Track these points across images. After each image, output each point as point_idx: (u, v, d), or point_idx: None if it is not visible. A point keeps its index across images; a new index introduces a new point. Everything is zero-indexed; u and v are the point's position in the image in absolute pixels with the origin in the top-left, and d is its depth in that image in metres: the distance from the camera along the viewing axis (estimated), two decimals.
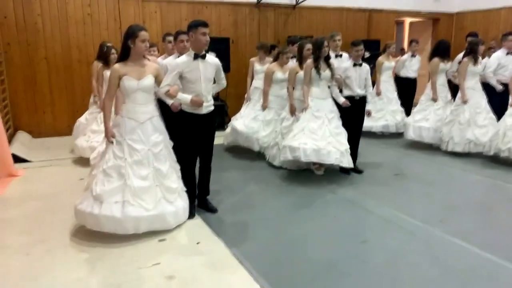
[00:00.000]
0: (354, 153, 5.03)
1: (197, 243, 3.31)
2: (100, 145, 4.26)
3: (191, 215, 3.70)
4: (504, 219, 3.82)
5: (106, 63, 5.54)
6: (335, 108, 4.83)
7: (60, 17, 7.08)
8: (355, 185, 4.77)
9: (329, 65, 4.78)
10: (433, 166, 5.55)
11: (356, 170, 5.13)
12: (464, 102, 5.76)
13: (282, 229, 3.59)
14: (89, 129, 5.64)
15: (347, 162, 4.68)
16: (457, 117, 5.83)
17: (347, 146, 4.71)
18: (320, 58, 4.70)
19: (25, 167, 5.39)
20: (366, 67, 5.01)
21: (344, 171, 5.05)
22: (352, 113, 4.89)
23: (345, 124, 4.84)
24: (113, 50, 5.53)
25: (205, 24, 3.51)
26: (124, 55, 3.34)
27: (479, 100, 5.80)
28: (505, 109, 5.46)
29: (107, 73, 5.53)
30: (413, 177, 5.07)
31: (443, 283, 2.75)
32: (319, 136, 4.60)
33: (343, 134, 4.76)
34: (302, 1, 8.61)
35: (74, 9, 7.15)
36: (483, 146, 5.60)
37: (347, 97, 4.88)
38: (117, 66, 3.34)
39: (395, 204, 4.13)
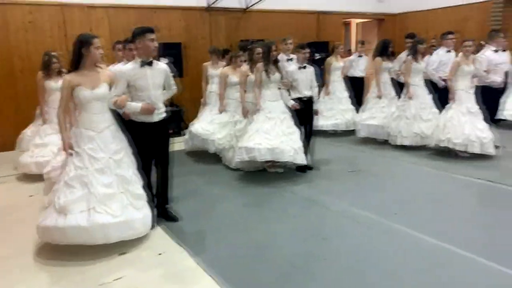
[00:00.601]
0: (306, 152, 5.20)
1: (159, 254, 3.25)
2: (54, 158, 4.08)
3: (152, 226, 3.61)
4: (454, 209, 4.04)
5: (48, 73, 5.33)
6: (286, 109, 5.00)
7: None
8: (313, 183, 4.88)
9: (278, 68, 4.95)
10: (385, 161, 5.79)
11: (308, 167, 5.29)
12: (410, 98, 6.06)
13: (245, 233, 3.60)
14: (32, 143, 5.37)
15: (301, 159, 4.86)
16: (404, 112, 6.13)
17: (300, 144, 4.89)
18: (270, 61, 4.87)
19: None
20: (311, 68, 5.22)
21: (301, 170, 5.19)
22: (302, 114, 5.09)
23: (296, 124, 5.03)
24: (54, 60, 5.33)
25: (152, 30, 3.47)
26: (76, 65, 3.25)
27: (423, 95, 6.13)
28: (447, 103, 5.79)
29: (49, 83, 5.31)
30: (367, 172, 5.26)
31: (402, 274, 2.87)
32: (272, 136, 4.76)
33: (296, 133, 4.92)
34: (252, 5, 8.69)
35: (14, 16, 6.78)
36: (428, 139, 5.93)
37: (295, 99, 5.08)
38: (68, 77, 3.25)
39: (352, 199, 4.27)
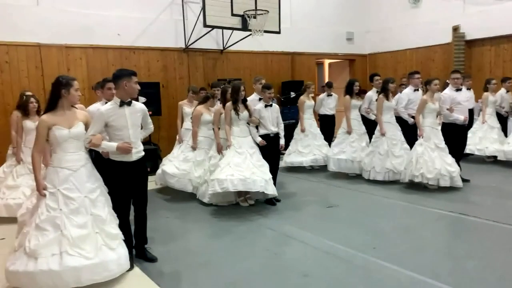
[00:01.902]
0: (275, 184, 5.36)
1: None
2: (28, 199, 3.99)
3: (130, 266, 3.53)
4: (428, 241, 4.15)
5: (26, 112, 5.30)
6: (254, 144, 5.29)
7: None
8: (291, 219, 4.92)
9: (246, 107, 5.26)
10: (360, 195, 5.91)
11: (275, 199, 5.49)
12: (382, 134, 6.31)
13: (223, 271, 3.57)
14: (4, 184, 5.23)
15: (272, 190, 5.09)
16: (377, 148, 6.37)
17: (270, 176, 5.16)
18: (238, 101, 5.20)
19: None
20: (276, 107, 5.62)
21: (270, 202, 5.39)
22: (269, 148, 5.37)
23: (264, 158, 5.28)
24: (32, 99, 5.32)
25: (136, 73, 3.61)
26: (53, 105, 3.29)
27: (394, 132, 6.39)
28: (416, 139, 6.04)
29: (26, 123, 5.28)
30: (344, 207, 5.35)
31: None
32: (244, 168, 4.99)
33: (265, 166, 5.20)
34: (229, 46, 8.98)
35: None
36: (400, 174, 6.16)
37: (263, 135, 5.40)
38: (45, 117, 3.27)
39: (331, 235, 4.31)
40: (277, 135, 5.56)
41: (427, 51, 10.37)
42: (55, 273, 2.98)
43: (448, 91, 6.10)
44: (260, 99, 5.83)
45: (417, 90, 6.84)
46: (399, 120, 6.59)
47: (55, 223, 3.11)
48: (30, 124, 5.25)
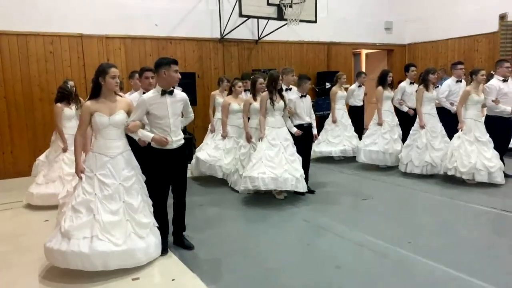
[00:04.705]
0: (305, 175, 5.36)
1: (172, 280, 3.25)
2: (69, 183, 4.17)
3: (164, 252, 3.63)
4: (467, 237, 4.00)
5: (60, 99, 5.52)
6: (289, 136, 5.24)
7: (20, 56, 6.96)
8: (327, 211, 4.87)
9: (282, 97, 5.20)
10: (395, 189, 5.77)
11: (308, 190, 5.43)
12: (422, 127, 6.10)
13: (258, 260, 3.59)
14: (43, 174, 5.41)
15: (302, 187, 5.09)
16: (415, 141, 6.17)
17: (302, 171, 5.13)
18: (275, 90, 5.10)
19: None
20: (309, 98, 5.62)
21: (299, 192, 5.36)
22: (303, 139, 5.37)
23: (297, 150, 5.24)
24: (64, 85, 5.56)
25: (176, 62, 3.62)
26: (96, 92, 3.38)
27: (435, 124, 6.16)
28: (456, 131, 5.80)
29: (66, 111, 5.47)
30: (380, 200, 5.24)
31: None
32: (275, 164, 4.97)
33: (297, 161, 5.16)
34: (264, 36, 8.93)
35: (35, 47, 7.07)
36: (438, 168, 5.95)
37: (297, 125, 5.37)
38: (88, 103, 3.38)
39: (365, 228, 4.24)
40: (310, 125, 5.57)
41: (471, 40, 9.90)
42: (84, 255, 3.10)
43: (495, 82, 5.80)
44: (286, 89, 5.86)
45: (460, 81, 6.57)
46: (439, 111, 6.35)
47: (89, 207, 3.23)
48: (62, 110, 5.48)
